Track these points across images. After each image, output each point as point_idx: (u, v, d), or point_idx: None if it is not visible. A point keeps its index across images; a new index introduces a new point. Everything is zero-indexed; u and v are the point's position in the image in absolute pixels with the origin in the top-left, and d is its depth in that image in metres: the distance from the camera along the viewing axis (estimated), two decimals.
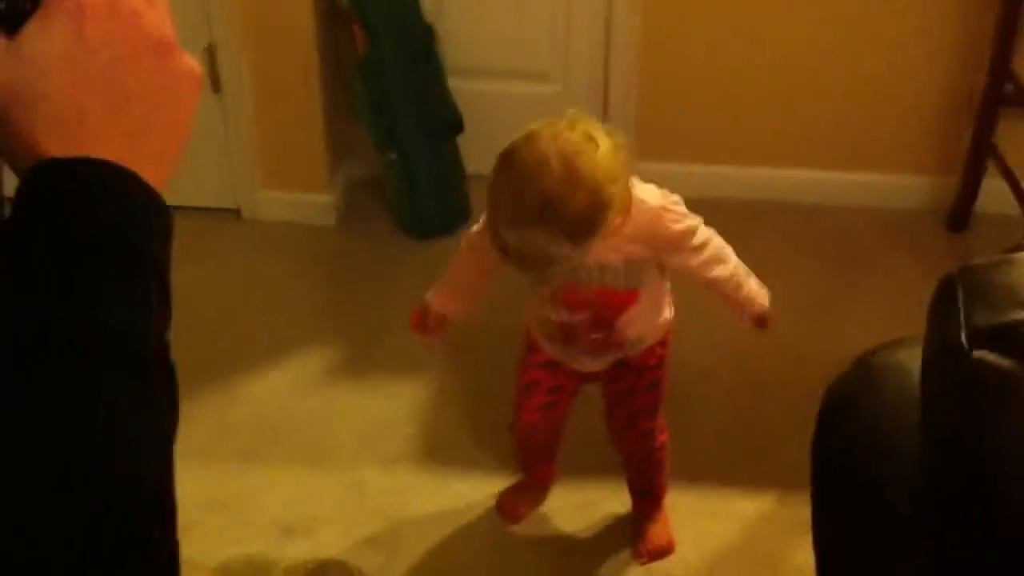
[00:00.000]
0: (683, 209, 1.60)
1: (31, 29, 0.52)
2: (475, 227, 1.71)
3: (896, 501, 1.03)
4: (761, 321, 1.75)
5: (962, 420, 0.86)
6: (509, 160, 1.43)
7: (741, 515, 2.06)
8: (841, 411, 1.11)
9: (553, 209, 1.38)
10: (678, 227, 1.58)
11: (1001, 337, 0.85)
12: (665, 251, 1.60)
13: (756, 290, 1.72)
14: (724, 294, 1.71)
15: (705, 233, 1.64)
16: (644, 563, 1.94)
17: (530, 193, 1.39)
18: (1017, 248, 0.97)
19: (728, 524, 2.04)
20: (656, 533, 1.96)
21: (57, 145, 0.52)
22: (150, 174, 0.54)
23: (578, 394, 1.87)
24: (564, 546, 2.01)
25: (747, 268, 1.72)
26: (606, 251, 1.54)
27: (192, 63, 0.57)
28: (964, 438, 0.87)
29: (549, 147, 1.39)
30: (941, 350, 0.89)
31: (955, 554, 0.92)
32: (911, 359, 1.00)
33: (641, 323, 1.69)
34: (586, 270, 1.59)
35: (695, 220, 1.62)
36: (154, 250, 0.53)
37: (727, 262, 1.68)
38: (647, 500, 1.98)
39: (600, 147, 1.41)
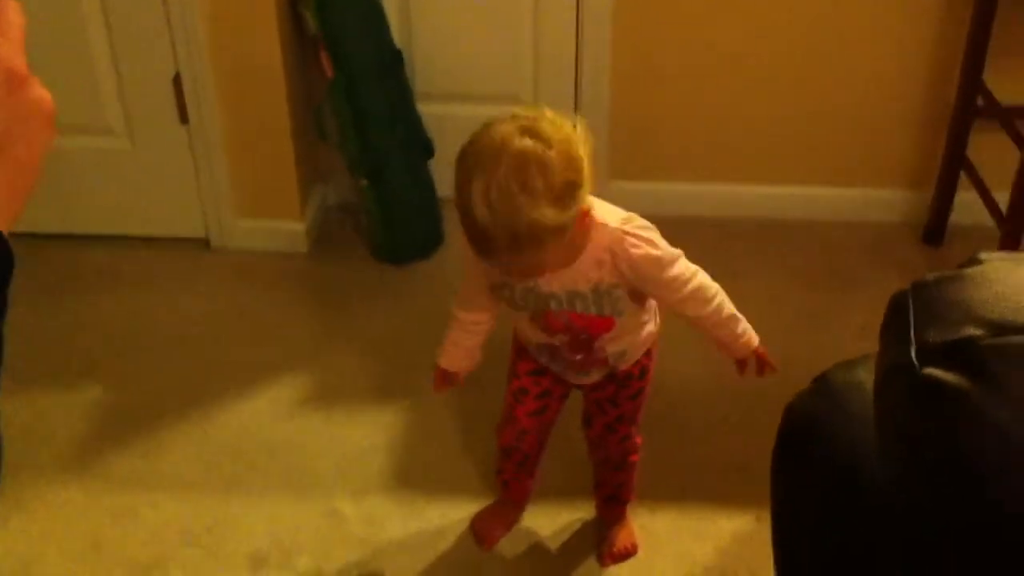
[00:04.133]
0: (650, 236, 1.53)
1: None
2: (458, 298, 1.74)
3: (862, 520, 1.01)
4: (759, 363, 1.72)
5: (914, 438, 0.85)
6: (461, 210, 1.39)
7: (722, 534, 2.04)
8: (802, 431, 1.10)
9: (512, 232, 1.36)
10: (638, 252, 1.50)
11: (951, 354, 0.84)
12: (632, 279, 1.54)
13: (742, 332, 1.67)
14: (709, 333, 1.67)
15: (680, 268, 1.56)
16: (607, 565, 1.97)
17: (498, 231, 1.35)
18: (970, 262, 0.96)
19: (707, 543, 2.02)
20: (622, 537, 1.99)
21: None
22: None
23: (566, 399, 1.86)
24: (541, 563, 1.99)
25: (734, 312, 1.65)
26: (573, 278, 1.53)
27: (44, 95, 0.54)
28: (918, 456, 0.85)
29: (479, 198, 1.35)
30: (892, 367, 0.88)
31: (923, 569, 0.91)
32: (869, 376, 0.98)
33: (621, 341, 1.67)
34: (556, 299, 1.57)
35: (664, 250, 1.54)
36: None
37: (709, 302, 1.61)
38: (614, 505, 2.00)
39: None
